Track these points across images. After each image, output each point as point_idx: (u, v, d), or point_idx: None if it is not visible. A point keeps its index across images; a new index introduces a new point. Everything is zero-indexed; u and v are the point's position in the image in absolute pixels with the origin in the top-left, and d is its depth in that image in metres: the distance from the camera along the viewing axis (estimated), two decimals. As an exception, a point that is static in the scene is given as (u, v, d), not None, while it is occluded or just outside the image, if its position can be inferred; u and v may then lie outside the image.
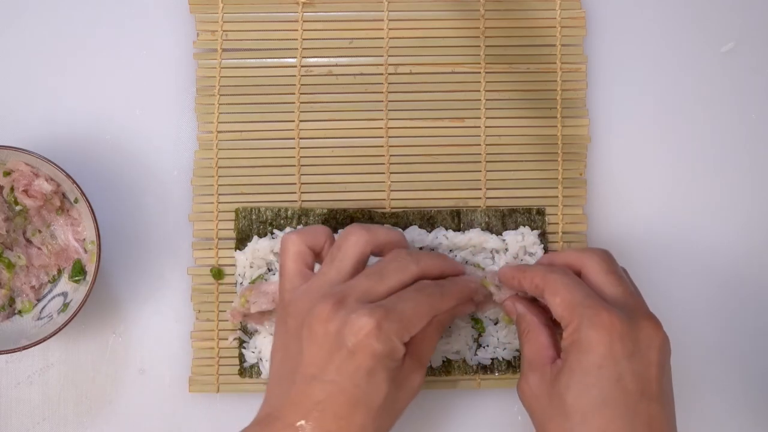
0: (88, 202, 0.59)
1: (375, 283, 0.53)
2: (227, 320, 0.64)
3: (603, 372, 0.51)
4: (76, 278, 0.62)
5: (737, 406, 0.66)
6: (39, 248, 0.63)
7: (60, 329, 0.58)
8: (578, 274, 0.56)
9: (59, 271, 0.63)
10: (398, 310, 0.51)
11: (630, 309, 0.53)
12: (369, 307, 0.51)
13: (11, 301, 0.62)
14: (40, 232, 0.63)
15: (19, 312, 0.62)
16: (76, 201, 0.61)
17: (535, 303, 0.59)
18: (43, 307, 0.62)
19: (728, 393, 0.66)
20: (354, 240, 0.55)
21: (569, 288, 0.54)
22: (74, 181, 0.59)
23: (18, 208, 0.62)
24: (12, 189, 0.61)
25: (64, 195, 0.62)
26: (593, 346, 0.51)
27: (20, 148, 0.59)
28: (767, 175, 0.68)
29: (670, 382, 0.54)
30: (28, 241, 0.63)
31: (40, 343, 0.58)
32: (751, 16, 0.69)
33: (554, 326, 0.58)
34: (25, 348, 0.58)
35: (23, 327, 0.61)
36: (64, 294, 0.62)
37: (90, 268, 0.61)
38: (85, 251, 0.62)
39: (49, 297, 0.63)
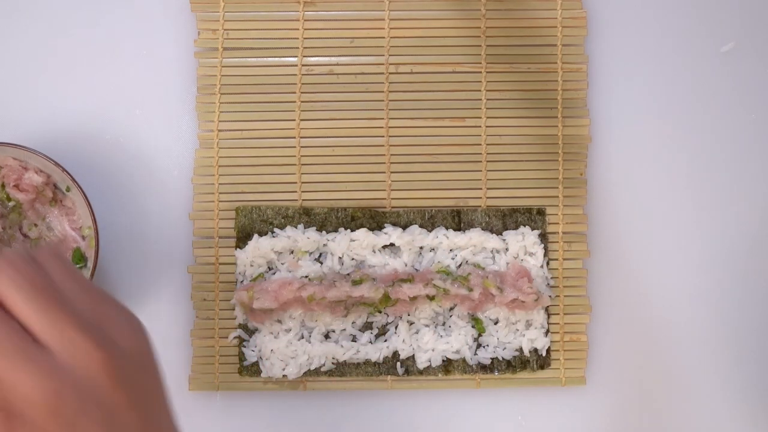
0: (80, 188, 0.59)
1: None
2: (227, 318, 0.64)
3: None
4: (78, 266, 0.62)
5: (737, 406, 0.66)
6: (37, 242, 0.63)
7: None
8: None
9: (60, 263, 0.63)
10: None
11: None
12: None
13: (14, 298, 0.62)
14: (36, 225, 0.63)
15: (24, 308, 0.62)
16: (68, 190, 0.61)
17: None
18: None
19: (728, 393, 0.66)
20: None
21: None
22: (64, 169, 0.59)
23: (11, 203, 0.62)
24: (2, 185, 0.61)
25: (55, 186, 0.62)
26: None
27: (4, 142, 0.59)
28: (767, 175, 0.68)
29: None
30: (26, 236, 0.63)
31: None
32: (751, 16, 0.69)
33: None
34: None
35: None
36: None
37: (90, 254, 0.61)
38: (83, 238, 0.62)
39: None
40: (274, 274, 0.63)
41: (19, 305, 0.37)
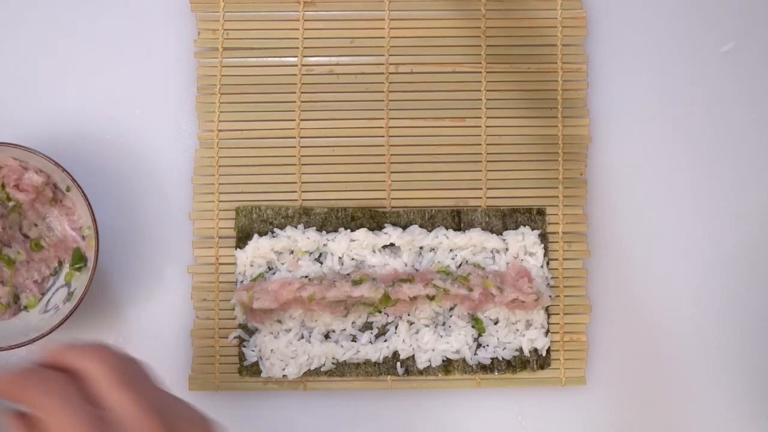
0: (80, 188, 0.59)
1: None
2: (227, 318, 0.64)
3: None
4: (77, 266, 0.62)
5: (737, 406, 0.66)
6: (37, 242, 0.63)
7: (68, 317, 0.58)
8: (78, 378, 0.44)
9: (60, 263, 0.63)
10: None
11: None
12: None
13: (16, 297, 0.62)
14: (36, 225, 0.63)
15: (25, 308, 0.62)
16: (68, 189, 0.61)
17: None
18: (48, 300, 0.63)
19: (728, 392, 0.66)
20: None
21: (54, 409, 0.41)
22: (64, 169, 0.59)
23: (11, 204, 0.62)
24: (2, 185, 0.61)
25: (55, 186, 0.62)
26: None
27: (4, 142, 0.59)
28: (767, 175, 0.68)
29: None
30: (26, 236, 0.63)
31: (51, 332, 0.58)
32: (751, 16, 0.69)
33: None
34: (35, 340, 0.58)
35: (30, 322, 0.61)
36: (68, 284, 0.62)
37: (90, 254, 0.61)
38: (83, 238, 0.62)
39: (53, 290, 0.63)
40: (274, 274, 0.63)
41: (103, 383, 0.43)
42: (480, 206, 0.65)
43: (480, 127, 0.66)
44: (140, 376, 0.46)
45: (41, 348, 0.48)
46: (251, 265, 0.63)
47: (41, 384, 0.42)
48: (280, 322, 0.63)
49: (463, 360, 0.64)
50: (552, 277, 0.65)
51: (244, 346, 0.64)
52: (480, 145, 0.66)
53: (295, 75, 0.66)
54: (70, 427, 0.41)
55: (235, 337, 0.64)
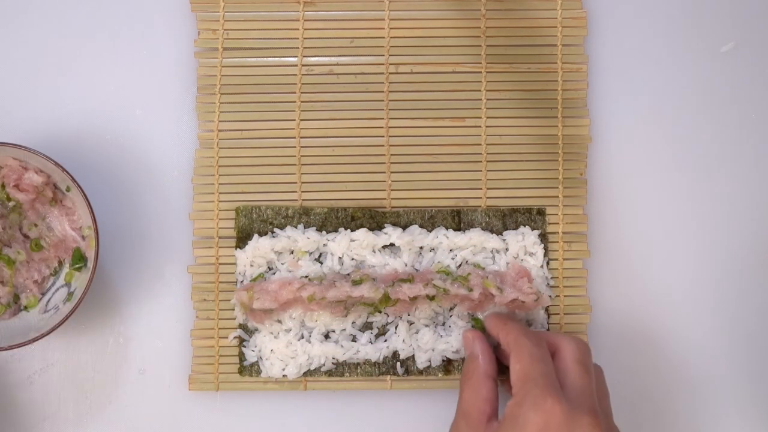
0: (80, 188, 0.59)
1: None
2: (227, 318, 0.64)
3: None
4: (77, 266, 0.62)
5: (737, 405, 0.66)
6: (37, 242, 0.63)
7: (67, 317, 0.58)
8: (552, 354, 0.56)
9: (60, 263, 0.63)
10: None
11: (580, 402, 0.53)
12: None
13: (16, 297, 0.62)
14: (36, 225, 0.63)
15: (25, 308, 0.62)
16: (68, 190, 0.61)
17: (498, 350, 0.60)
18: (48, 300, 0.63)
19: (728, 392, 0.66)
20: None
21: (532, 360, 0.54)
22: (64, 169, 0.59)
23: (11, 203, 0.62)
24: (2, 185, 0.61)
25: (55, 186, 0.62)
26: (528, 426, 0.51)
27: (4, 142, 0.59)
28: (767, 175, 0.68)
29: None
30: (26, 236, 0.63)
31: (50, 332, 0.58)
32: (751, 16, 0.69)
33: (501, 384, 0.59)
34: (35, 340, 0.58)
35: (30, 322, 0.61)
36: (68, 284, 0.62)
37: (90, 254, 0.61)
38: (83, 238, 0.62)
39: (53, 290, 0.63)
40: (274, 274, 0.63)
41: (571, 358, 0.56)
42: (480, 206, 0.65)
43: (480, 127, 0.66)
44: (599, 373, 0.58)
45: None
46: (251, 265, 0.63)
47: (526, 335, 0.56)
48: (280, 322, 0.63)
49: (463, 360, 0.64)
50: (552, 277, 0.65)
51: (244, 346, 0.64)
52: (480, 145, 0.66)
53: (295, 75, 0.66)
54: (531, 369, 0.53)
55: (235, 337, 0.64)
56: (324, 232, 0.64)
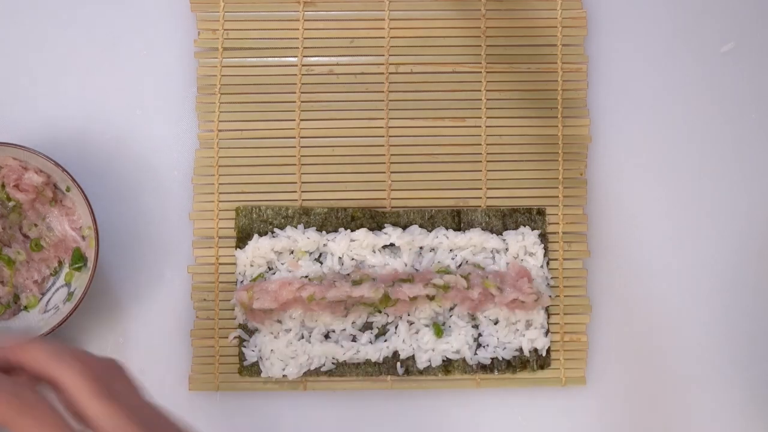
0: (80, 188, 0.59)
1: None
2: (227, 318, 0.64)
3: None
4: (77, 266, 0.62)
5: (737, 405, 0.66)
6: (37, 242, 0.63)
7: (67, 317, 0.58)
8: (55, 388, 0.42)
9: (60, 263, 0.63)
10: None
11: None
12: None
13: (16, 298, 0.62)
14: (36, 225, 0.63)
15: (25, 308, 0.63)
16: (68, 190, 0.61)
17: None
18: (48, 300, 0.63)
19: (728, 392, 0.66)
20: None
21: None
22: (64, 169, 0.59)
23: (11, 204, 0.62)
24: (2, 185, 0.61)
25: (55, 186, 0.62)
26: None
27: (4, 142, 0.59)
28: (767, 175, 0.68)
29: None
30: (26, 236, 0.63)
31: (50, 332, 0.58)
32: (751, 16, 0.69)
33: None
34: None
35: (30, 322, 0.61)
36: (68, 284, 0.62)
37: (90, 254, 0.61)
38: (83, 238, 0.62)
39: (53, 290, 0.63)
40: (274, 274, 0.63)
41: (83, 394, 0.41)
42: (480, 206, 0.65)
43: (480, 127, 0.66)
44: (122, 385, 0.44)
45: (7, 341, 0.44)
46: (251, 265, 0.63)
47: (15, 399, 0.40)
48: (280, 322, 0.63)
49: (463, 360, 0.64)
50: (552, 277, 0.65)
51: (244, 346, 0.64)
52: (480, 145, 0.66)
53: (295, 75, 0.66)
54: None
55: (235, 337, 0.64)
56: (324, 232, 0.64)
